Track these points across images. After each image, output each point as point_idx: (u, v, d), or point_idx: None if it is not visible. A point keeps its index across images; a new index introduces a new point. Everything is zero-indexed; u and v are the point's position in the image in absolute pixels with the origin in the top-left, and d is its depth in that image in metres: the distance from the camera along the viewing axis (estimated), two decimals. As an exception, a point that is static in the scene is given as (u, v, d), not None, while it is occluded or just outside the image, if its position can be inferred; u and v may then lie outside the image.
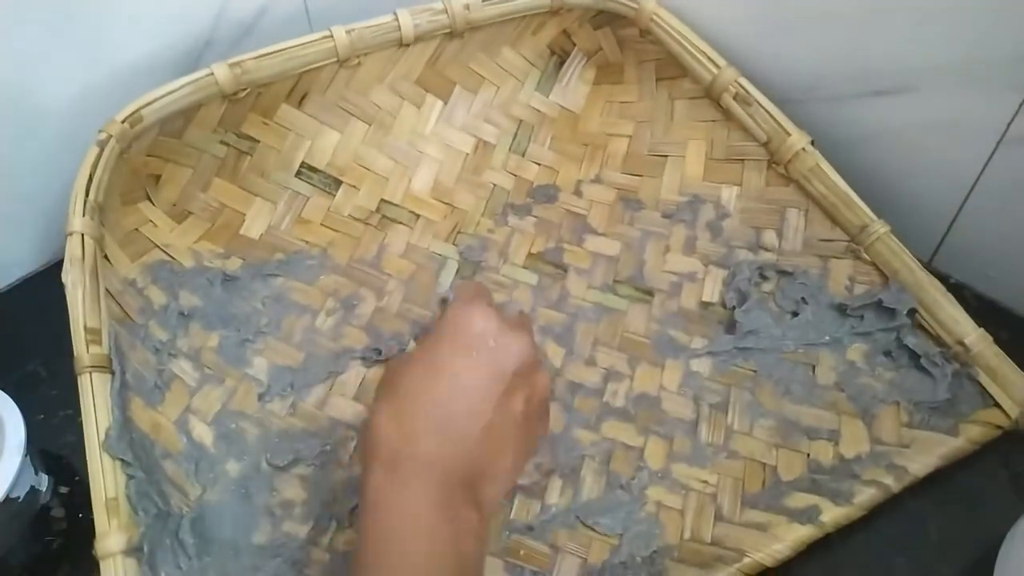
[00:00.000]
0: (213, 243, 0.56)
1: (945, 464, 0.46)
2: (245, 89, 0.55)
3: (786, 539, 0.43)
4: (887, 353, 0.51)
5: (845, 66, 0.55)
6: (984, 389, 0.48)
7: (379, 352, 0.52)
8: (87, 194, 0.48)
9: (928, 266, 0.52)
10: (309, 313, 0.54)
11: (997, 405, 0.48)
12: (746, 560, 0.43)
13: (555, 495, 0.47)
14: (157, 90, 0.51)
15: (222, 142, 0.57)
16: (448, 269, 0.58)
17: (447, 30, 0.59)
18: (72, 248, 0.46)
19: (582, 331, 0.55)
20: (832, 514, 0.44)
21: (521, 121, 0.64)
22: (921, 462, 0.46)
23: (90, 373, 0.44)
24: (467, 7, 0.59)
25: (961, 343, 0.49)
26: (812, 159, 0.55)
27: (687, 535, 0.45)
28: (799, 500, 0.45)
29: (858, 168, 0.54)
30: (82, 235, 0.47)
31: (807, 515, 0.44)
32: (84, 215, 0.47)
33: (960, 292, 0.53)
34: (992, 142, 0.50)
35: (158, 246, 0.54)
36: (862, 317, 0.52)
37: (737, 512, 0.46)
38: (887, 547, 0.45)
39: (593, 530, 0.46)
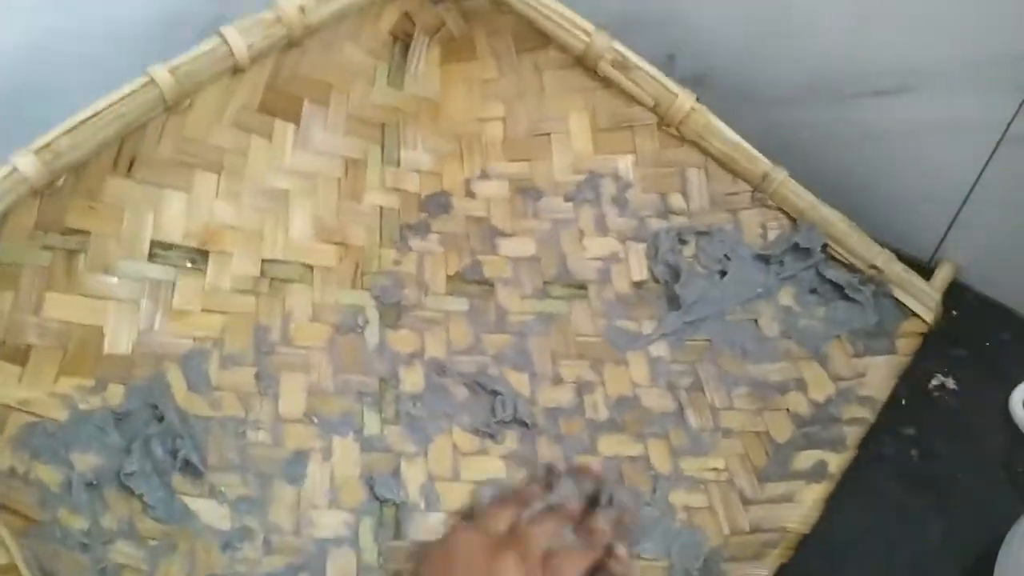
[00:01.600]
0: (78, 376, 0.43)
1: (896, 381, 0.51)
2: (60, 176, 0.41)
3: (809, 500, 0.46)
4: (813, 291, 0.54)
5: (845, 66, 0.53)
6: (901, 303, 0.53)
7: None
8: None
9: (928, 266, 0.55)
10: (233, 424, 0.45)
11: (915, 314, 0.53)
12: (788, 535, 0.44)
13: (584, 534, 0.45)
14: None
15: (44, 247, 0.43)
16: (371, 320, 0.50)
17: (284, 41, 0.49)
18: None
19: (536, 348, 0.51)
20: (837, 462, 0.47)
21: (383, 126, 0.56)
22: (880, 387, 0.50)
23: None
24: (302, 9, 0.49)
25: (873, 266, 0.53)
26: (703, 116, 0.55)
27: (727, 530, 0.46)
28: (804, 459, 0.48)
29: (857, 169, 0.54)
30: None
31: (817, 471, 0.47)
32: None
33: (960, 292, 0.55)
34: (992, 142, 0.50)
35: (13, 407, 0.40)
36: (782, 262, 0.55)
37: (758, 489, 0.47)
38: (887, 547, 0.46)
39: (640, 558, 0.45)
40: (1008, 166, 0.51)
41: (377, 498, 0.44)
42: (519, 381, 0.50)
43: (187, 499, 0.42)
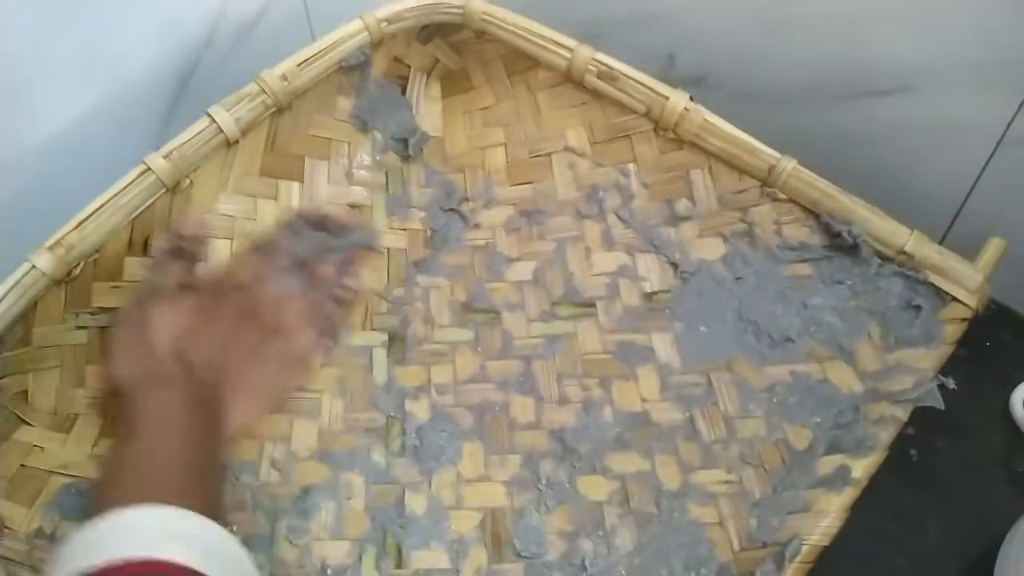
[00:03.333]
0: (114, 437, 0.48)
1: (935, 374, 0.46)
2: (77, 264, 0.47)
3: (831, 509, 0.42)
4: (839, 283, 0.51)
5: (845, 66, 0.53)
6: (939, 288, 0.48)
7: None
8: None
9: None
10: (247, 467, 0.48)
11: (956, 299, 0.48)
12: (806, 547, 0.42)
13: (590, 555, 0.45)
14: (-22, 309, 0.43)
15: (78, 327, 0.48)
16: (378, 360, 0.52)
17: (272, 109, 0.52)
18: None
19: (540, 371, 0.52)
20: (860, 467, 0.43)
21: (387, 169, 0.58)
22: (914, 381, 0.46)
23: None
24: (284, 77, 0.52)
25: (903, 252, 0.49)
26: (699, 116, 0.53)
27: (737, 545, 0.44)
28: (826, 465, 0.45)
29: (858, 168, 0.52)
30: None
31: (840, 478, 0.43)
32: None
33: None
34: (992, 142, 0.50)
35: (55, 472, 0.46)
36: (804, 259, 0.52)
37: (773, 500, 0.45)
38: (887, 547, 0.45)
39: (646, 578, 0.44)
40: (1008, 166, 0.50)
41: (380, 528, 0.46)
42: (523, 406, 0.50)
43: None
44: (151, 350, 0.44)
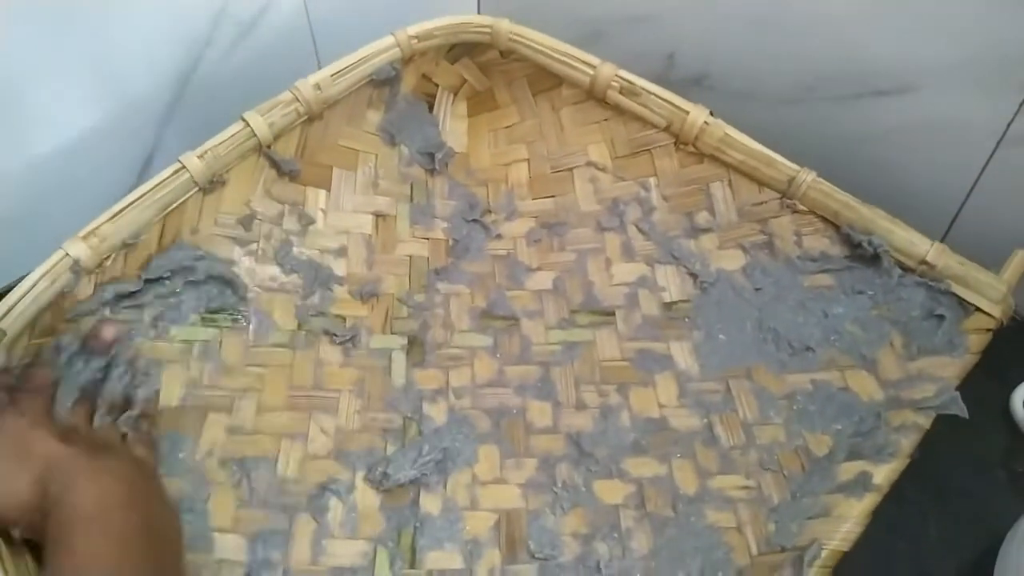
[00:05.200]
0: (134, 430, 0.49)
1: (959, 383, 0.46)
2: (108, 256, 0.48)
3: (851, 515, 0.41)
4: (859, 293, 0.51)
5: (845, 66, 0.53)
6: (961, 299, 0.48)
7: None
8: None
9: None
10: (266, 463, 0.48)
11: (979, 309, 0.48)
12: (825, 553, 0.41)
13: (605, 558, 0.44)
14: (12, 294, 0.44)
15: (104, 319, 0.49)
16: (397, 363, 0.53)
17: (304, 117, 0.54)
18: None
19: (558, 376, 0.51)
20: (882, 473, 0.43)
21: (412, 181, 0.60)
22: (936, 389, 0.45)
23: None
24: (317, 87, 0.54)
25: (924, 262, 0.49)
26: (719, 129, 0.53)
27: (755, 550, 0.43)
28: (846, 471, 0.44)
29: (858, 169, 0.53)
30: None
31: (860, 483, 0.42)
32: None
33: None
34: (992, 142, 0.50)
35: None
36: (825, 269, 0.52)
37: (792, 506, 0.44)
38: (888, 546, 0.45)
39: (662, 582, 0.43)
40: (1008, 166, 0.50)
41: (395, 528, 0.46)
42: (540, 410, 0.50)
43: (216, 533, 0.45)
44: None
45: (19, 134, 0.50)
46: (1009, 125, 0.49)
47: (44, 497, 0.38)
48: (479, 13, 0.71)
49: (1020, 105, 0.48)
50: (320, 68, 0.54)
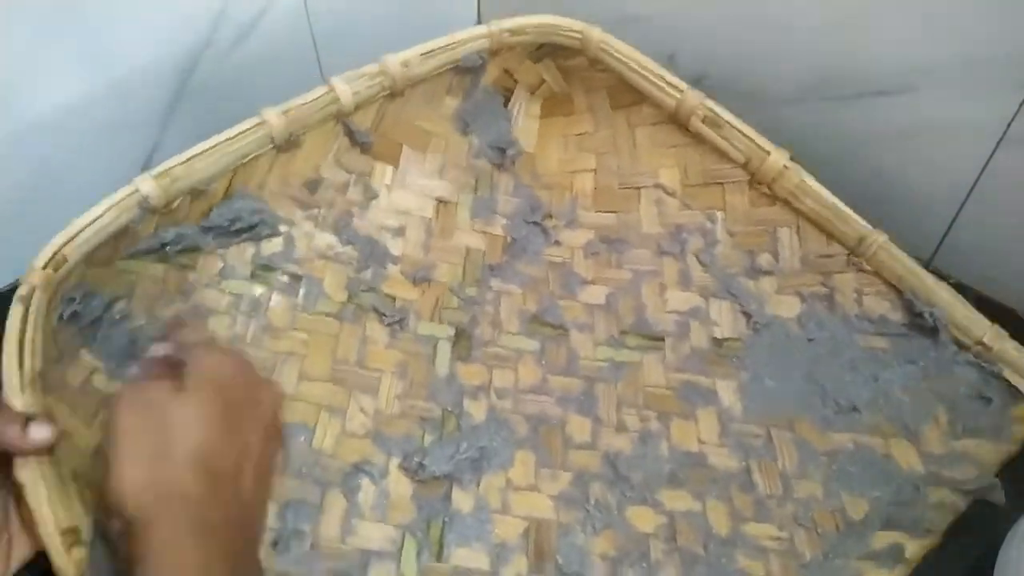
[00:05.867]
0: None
1: (999, 469, 0.46)
2: (177, 198, 0.47)
3: (880, 585, 0.42)
4: (912, 362, 0.51)
5: (845, 66, 0.53)
6: (1012, 385, 0.49)
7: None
8: (21, 366, 0.39)
9: (928, 266, 0.52)
10: (303, 431, 0.47)
11: (1027, 398, 0.48)
12: (850, 617, 0.41)
13: (630, 587, 0.44)
14: (77, 221, 0.43)
15: (159, 260, 0.48)
16: (442, 353, 0.52)
17: (387, 91, 0.53)
18: (21, 437, 0.38)
19: (602, 394, 0.51)
20: (914, 547, 0.43)
21: (477, 173, 0.59)
22: (977, 473, 0.46)
23: (79, 583, 0.36)
24: (405, 64, 0.53)
25: (981, 343, 0.49)
26: (796, 175, 0.53)
27: (781, 603, 0.43)
28: (880, 540, 0.44)
29: (858, 168, 0.53)
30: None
31: (892, 555, 0.43)
32: (23, 392, 0.38)
33: (960, 292, 0.52)
34: (992, 142, 0.50)
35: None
36: (881, 332, 0.52)
37: (823, 565, 0.44)
38: None
39: (685, 620, 0.43)
40: (1008, 166, 0.50)
41: (425, 519, 0.45)
42: (580, 425, 0.50)
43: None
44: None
45: (18, 134, 0.49)
46: (1009, 125, 0.49)
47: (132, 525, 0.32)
48: (479, 14, 0.70)
49: (1020, 105, 0.48)
50: (320, 69, 0.54)
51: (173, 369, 0.36)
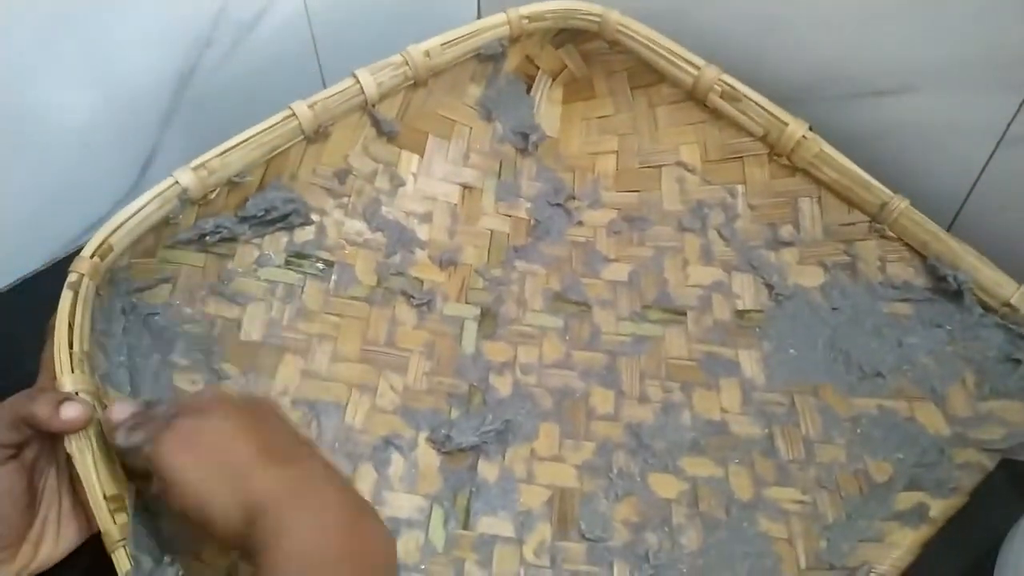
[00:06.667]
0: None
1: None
2: (214, 190, 0.50)
3: (903, 544, 0.42)
4: (938, 326, 0.50)
5: (845, 66, 0.53)
6: (1040, 346, 0.48)
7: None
8: (71, 346, 0.42)
9: None
10: (335, 408, 0.50)
11: (1057, 359, 0.47)
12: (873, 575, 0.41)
13: (654, 548, 0.45)
14: (121, 212, 0.46)
15: (199, 250, 0.51)
16: (468, 331, 0.54)
17: (411, 81, 0.55)
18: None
19: (625, 367, 0.52)
20: (940, 507, 0.43)
21: (501, 158, 0.61)
22: (1005, 433, 0.45)
23: (124, 547, 0.38)
24: (427, 54, 0.55)
25: (1008, 304, 0.49)
26: (815, 145, 0.53)
27: (803, 563, 0.44)
28: (904, 500, 0.44)
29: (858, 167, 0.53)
30: (77, 394, 0.41)
31: (917, 514, 0.43)
32: (73, 371, 0.42)
33: None
34: (992, 142, 0.49)
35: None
36: (906, 298, 0.52)
37: (846, 527, 0.44)
38: None
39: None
40: (1008, 166, 0.50)
41: (452, 489, 0.47)
42: (604, 397, 0.51)
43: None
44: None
45: (19, 135, 0.50)
46: (1009, 125, 0.48)
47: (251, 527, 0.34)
48: (479, 14, 0.71)
49: (1020, 105, 0.47)
50: (320, 68, 0.55)
51: (160, 417, 0.38)
